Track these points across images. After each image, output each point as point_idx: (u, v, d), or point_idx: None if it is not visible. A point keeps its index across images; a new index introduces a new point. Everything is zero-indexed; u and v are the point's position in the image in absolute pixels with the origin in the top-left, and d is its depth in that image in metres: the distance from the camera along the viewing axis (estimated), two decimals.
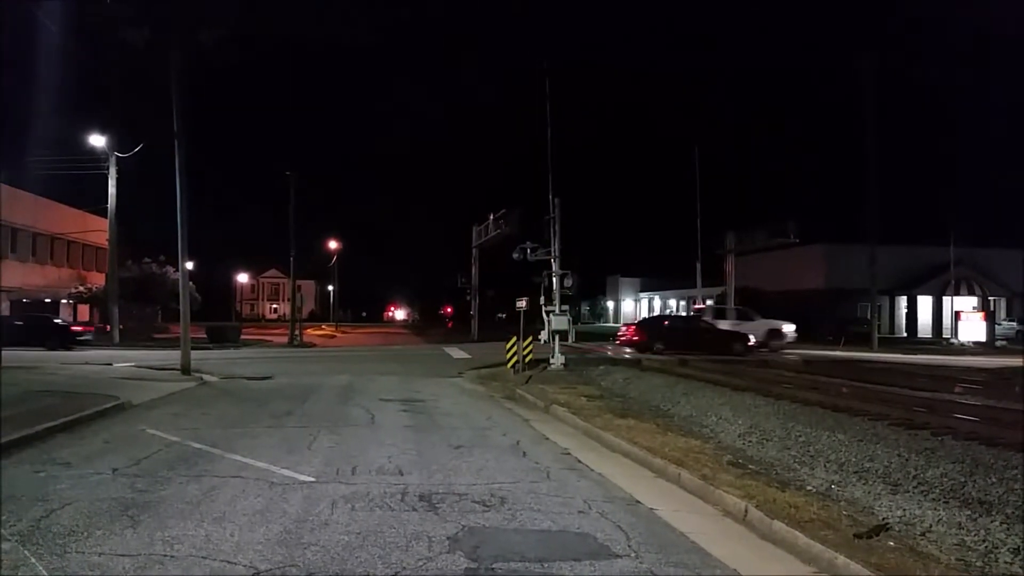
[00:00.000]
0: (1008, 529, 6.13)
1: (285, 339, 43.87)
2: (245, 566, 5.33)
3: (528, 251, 24.57)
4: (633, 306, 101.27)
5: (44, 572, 5.12)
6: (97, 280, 47.01)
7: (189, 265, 22.72)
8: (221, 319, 62.17)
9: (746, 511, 6.82)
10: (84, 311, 46.88)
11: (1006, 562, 5.56)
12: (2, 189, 37.66)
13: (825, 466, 8.82)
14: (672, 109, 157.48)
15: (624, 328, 33.71)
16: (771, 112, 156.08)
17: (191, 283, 25.89)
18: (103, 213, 38.96)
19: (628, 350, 31.18)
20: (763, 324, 35.80)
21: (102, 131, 36.24)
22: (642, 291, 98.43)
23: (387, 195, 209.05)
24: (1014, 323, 53.52)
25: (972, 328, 42.67)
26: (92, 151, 36.40)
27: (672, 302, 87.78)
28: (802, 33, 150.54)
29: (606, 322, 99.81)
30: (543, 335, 23.47)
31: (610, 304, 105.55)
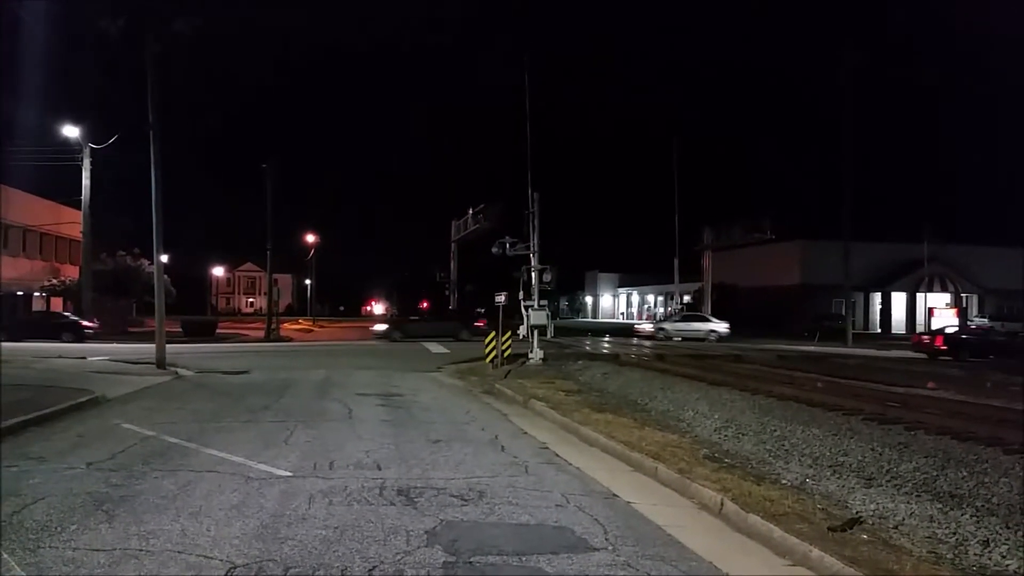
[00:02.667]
0: (978, 522, 6.24)
1: (261, 333, 43.45)
2: (222, 561, 5.30)
3: (507, 246, 24.58)
4: (612, 301, 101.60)
5: (17, 568, 5.05)
6: (71, 273, 46.30)
7: (164, 258, 22.48)
8: (196, 313, 61.75)
9: (722, 504, 6.88)
10: (57, 304, 46.23)
11: (975, 554, 5.66)
12: None
13: (800, 460, 8.92)
14: (651, 106, 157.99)
15: (926, 336, 32.75)
16: (749, 110, 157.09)
17: (166, 276, 25.57)
18: (77, 205, 38.39)
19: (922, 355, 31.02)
20: None
21: (76, 122, 35.74)
22: (621, 286, 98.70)
23: (366, 189, 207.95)
24: (985, 320, 54.37)
25: (945, 324, 43.28)
26: (66, 142, 35.87)
27: (650, 297, 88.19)
28: (782, 30, 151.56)
29: (584, 317, 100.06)
30: (522, 330, 23.50)
31: (589, 299, 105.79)
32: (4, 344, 25.31)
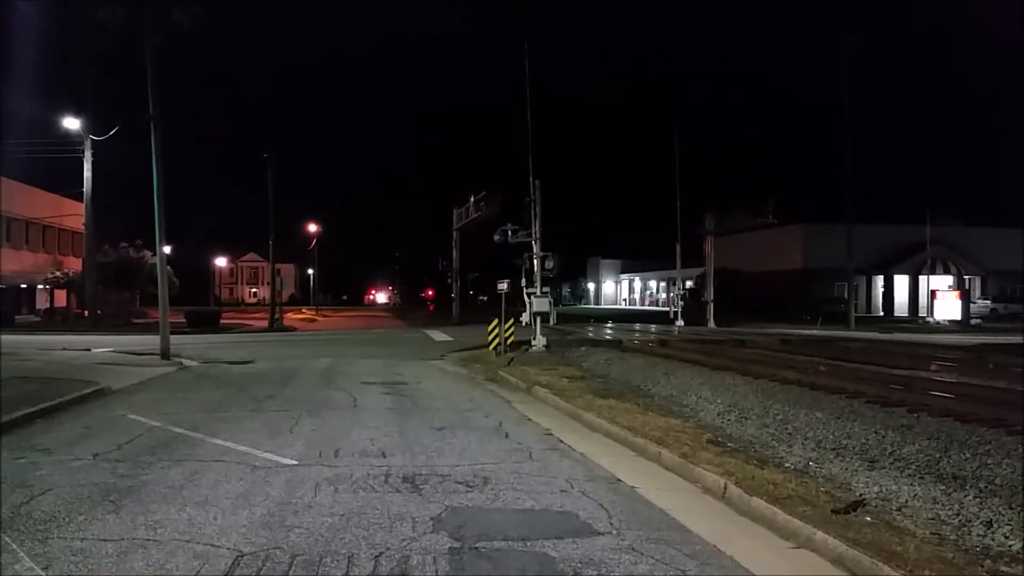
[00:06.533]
0: (981, 503, 6.26)
1: (265, 323, 43.55)
2: (229, 549, 5.33)
3: (509, 233, 24.57)
4: (614, 288, 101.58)
5: (26, 558, 5.09)
6: (74, 265, 46.35)
7: (167, 249, 22.49)
8: (200, 303, 61.70)
9: (725, 488, 6.91)
10: (61, 296, 46.34)
11: (979, 535, 5.69)
12: None
13: (803, 443, 8.94)
14: (652, 90, 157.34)
15: None
16: (751, 94, 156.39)
17: (169, 267, 25.58)
18: (79, 197, 38.38)
19: None
20: None
21: (77, 114, 35.68)
22: (623, 272, 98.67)
23: (368, 178, 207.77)
24: (988, 302, 54.31)
25: (947, 307, 43.24)
26: (67, 134, 35.81)
27: (653, 283, 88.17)
28: (784, 16, 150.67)
29: (587, 304, 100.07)
30: (524, 317, 23.51)
31: (591, 286, 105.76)
32: (8, 337, 25.38)
